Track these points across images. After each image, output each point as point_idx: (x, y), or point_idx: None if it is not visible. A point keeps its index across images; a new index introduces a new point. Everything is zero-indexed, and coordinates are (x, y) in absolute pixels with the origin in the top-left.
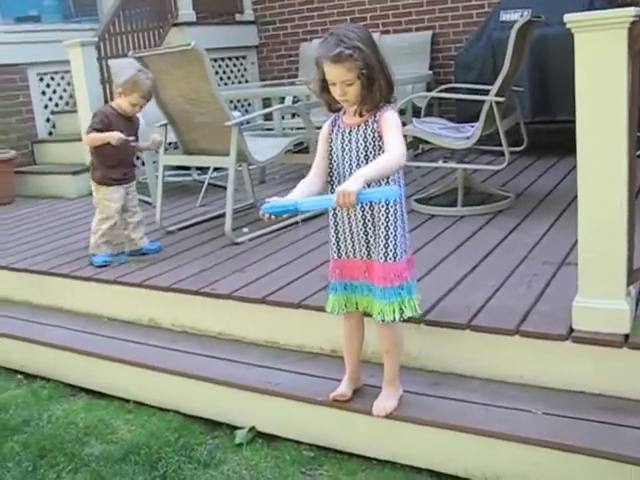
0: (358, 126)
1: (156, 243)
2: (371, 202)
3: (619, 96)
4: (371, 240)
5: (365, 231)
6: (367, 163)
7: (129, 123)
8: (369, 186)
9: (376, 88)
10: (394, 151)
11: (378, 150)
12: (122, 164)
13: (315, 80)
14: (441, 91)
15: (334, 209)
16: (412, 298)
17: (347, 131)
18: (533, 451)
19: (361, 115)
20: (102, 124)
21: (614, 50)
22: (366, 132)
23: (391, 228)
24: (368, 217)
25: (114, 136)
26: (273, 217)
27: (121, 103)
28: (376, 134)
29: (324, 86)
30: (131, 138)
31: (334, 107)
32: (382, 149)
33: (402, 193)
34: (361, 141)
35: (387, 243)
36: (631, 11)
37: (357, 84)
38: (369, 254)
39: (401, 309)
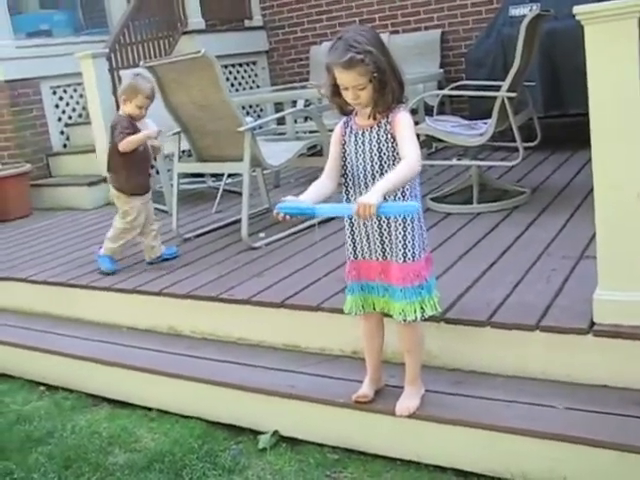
0: (371, 128)
1: (172, 248)
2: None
3: (632, 87)
4: (386, 241)
5: (380, 232)
6: (381, 164)
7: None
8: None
9: (388, 90)
10: (410, 158)
11: (392, 151)
12: (147, 169)
13: (326, 85)
14: (452, 89)
15: None
16: (432, 297)
17: (360, 133)
18: (558, 447)
19: (374, 117)
20: (130, 128)
21: (625, 41)
22: (379, 134)
23: (408, 228)
24: (383, 218)
25: (152, 131)
26: (288, 217)
27: (127, 109)
28: (389, 135)
29: (335, 90)
30: (160, 129)
31: (346, 110)
32: (396, 150)
33: (418, 193)
34: (374, 143)
35: (405, 243)
36: None
37: (369, 88)
38: (384, 255)
39: (422, 308)
